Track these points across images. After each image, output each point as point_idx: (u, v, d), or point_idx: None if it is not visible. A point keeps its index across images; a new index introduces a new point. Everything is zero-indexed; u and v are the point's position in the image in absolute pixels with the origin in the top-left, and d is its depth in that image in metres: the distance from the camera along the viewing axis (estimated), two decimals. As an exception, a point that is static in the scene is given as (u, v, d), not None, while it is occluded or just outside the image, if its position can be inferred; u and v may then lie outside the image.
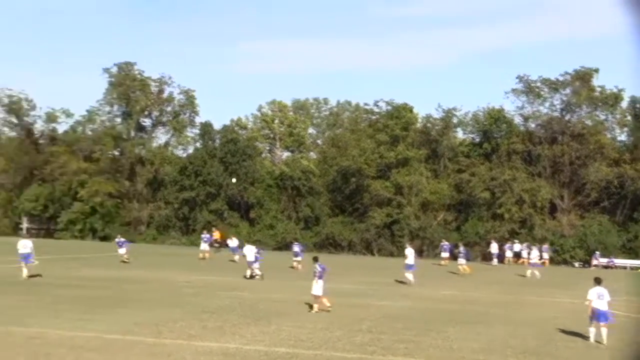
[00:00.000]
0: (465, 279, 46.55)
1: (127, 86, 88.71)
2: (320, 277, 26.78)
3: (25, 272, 35.30)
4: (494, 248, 66.46)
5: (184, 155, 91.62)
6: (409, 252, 40.86)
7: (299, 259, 47.94)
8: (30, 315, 23.14)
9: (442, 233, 74.02)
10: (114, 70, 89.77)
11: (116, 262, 48.71)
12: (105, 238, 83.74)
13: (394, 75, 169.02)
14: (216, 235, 67.20)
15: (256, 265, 40.30)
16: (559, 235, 72.01)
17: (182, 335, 20.66)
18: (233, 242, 57.79)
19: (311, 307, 26.72)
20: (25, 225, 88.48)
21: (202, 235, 59.67)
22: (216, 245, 65.43)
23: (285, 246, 75.90)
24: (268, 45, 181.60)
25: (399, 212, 76.35)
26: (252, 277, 39.68)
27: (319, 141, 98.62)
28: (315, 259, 28.24)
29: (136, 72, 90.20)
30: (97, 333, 20.17)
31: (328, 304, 26.50)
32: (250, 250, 40.84)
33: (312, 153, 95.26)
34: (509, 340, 21.82)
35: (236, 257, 52.07)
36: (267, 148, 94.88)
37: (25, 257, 35.83)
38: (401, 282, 40.22)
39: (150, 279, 38.28)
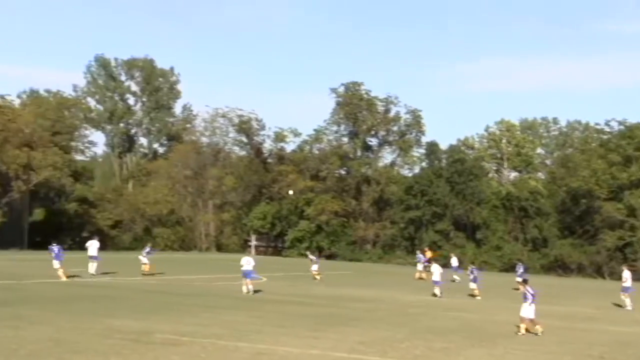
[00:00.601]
0: None
1: (354, 106, 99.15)
2: (531, 301, 28.18)
3: (245, 289, 39.82)
4: None
5: (410, 174, 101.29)
6: (627, 275, 43.34)
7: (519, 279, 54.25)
8: (257, 332, 25.31)
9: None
10: (341, 90, 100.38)
11: (342, 280, 54.88)
12: (330, 256, 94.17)
13: (627, 94, 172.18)
14: (428, 254, 72.95)
15: (468, 283, 46.23)
16: None
17: (407, 355, 22.38)
18: (454, 261, 62.07)
19: (518, 328, 28.25)
20: (253, 242, 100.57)
21: (417, 256, 65.24)
22: (427, 264, 73.43)
23: (512, 267, 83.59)
24: (495, 64, 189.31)
25: (632, 234, 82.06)
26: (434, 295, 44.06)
27: (547, 161, 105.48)
28: (525, 281, 30.45)
29: (363, 92, 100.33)
30: (323, 351, 22.10)
31: (540, 329, 28.08)
32: (437, 269, 45.22)
33: (540, 173, 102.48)
34: None
35: (456, 277, 57.22)
36: (494, 168, 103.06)
37: (247, 274, 40.17)
38: (618, 305, 43.11)
39: (376, 298, 41.30)
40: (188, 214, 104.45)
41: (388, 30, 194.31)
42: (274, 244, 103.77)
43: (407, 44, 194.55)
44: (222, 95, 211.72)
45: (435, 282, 44.50)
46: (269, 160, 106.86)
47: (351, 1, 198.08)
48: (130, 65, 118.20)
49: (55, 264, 44.12)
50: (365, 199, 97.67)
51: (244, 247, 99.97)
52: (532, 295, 28.21)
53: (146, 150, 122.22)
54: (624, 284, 43.20)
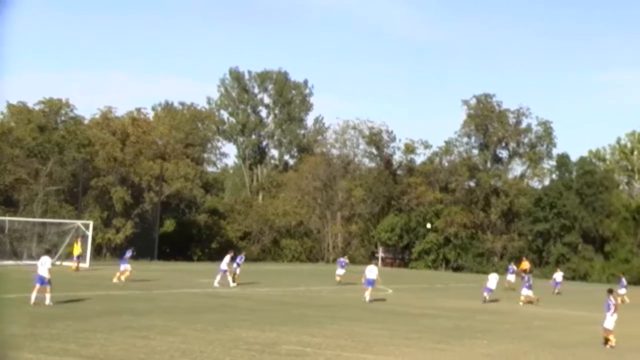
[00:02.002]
0: None
1: (484, 117, 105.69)
2: (614, 311, 29.77)
3: (367, 297, 43.38)
4: None
5: (539, 186, 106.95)
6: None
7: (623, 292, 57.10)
8: (382, 344, 26.63)
9: None
10: (473, 102, 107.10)
11: (468, 293, 56.60)
12: (458, 268, 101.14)
13: None
14: (524, 265, 77.59)
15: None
16: None
17: None
18: (558, 276, 65.88)
19: (606, 341, 29.62)
20: (380, 254, 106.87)
21: (508, 267, 69.42)
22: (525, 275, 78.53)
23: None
24: (629, 75, 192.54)
25: None
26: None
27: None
28: (610, 291, 31.77)
29: (494, 103, 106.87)
30: None
31: (613, 340, 29.41)
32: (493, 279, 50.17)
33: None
34: None
35: (557, 291, 61.74)
36: (625, 180, 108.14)
37: (370, 282, 43.97)
38: None
39: (504, 311, 43.58)
40: (316, 225, 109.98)
41: (520, 41, 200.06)
42: (401, 255, 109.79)
43: (538, 56, 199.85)
44: (353, 107, 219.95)
45: (485, 289, 49.45)
46: (399, 172, 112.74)
47: (481, 11, 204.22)
48: (264, 77, 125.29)
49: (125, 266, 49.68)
50: (493, 210, 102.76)
51: (371, 259, 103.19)
52: (612, 305, 29.94)
53: (277, 162, 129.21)
54: None
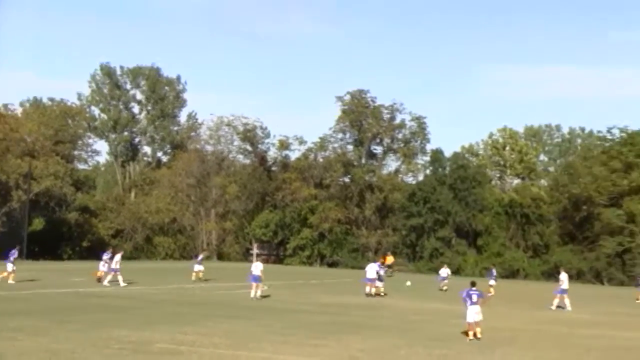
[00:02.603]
0: None
1: (358, 113, 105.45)
2: (475, 303, 29.42)
3: (253, 293, 42.93)
4: None
5: (413, 182, 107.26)
6: (563, 277, 46.96)
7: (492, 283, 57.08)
8: (257, 340, 26.12)
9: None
10: (347, 98, 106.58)
11: (344, 288, 56.63)
12: (333, 264, 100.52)
13: (631, 102, 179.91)
14: (389, 260, 78.17)
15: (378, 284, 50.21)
16: None
17: None
18: (443, 272, 61.50)
19: (469, 334, 29.13)
20: (255, 251, 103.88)
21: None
22: (389, 270, 77.67)
23: (512, 274, 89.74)
24: (500, 72, 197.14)
25: (631, 240, 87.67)
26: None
27: (550, 168, 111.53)
28: (473, 284, 31.10)
29: (368, 99, 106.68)
30: (322, 358, 23.33)
31: (479, 332, 29.13)
32: (371, 269, 50.23)
33: (542, 180, 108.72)
34: None
35: (444, 287, 58.78)
36: (497, 175, 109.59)
37: (255, 278, 43.40)
38: (561, 307, 45.77)
39: (378, 306, 42.74)
40: (190, 222, 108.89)
41: (393, 38, 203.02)
42: (276, 251, 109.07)
43: (412, 52, 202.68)
44: (228, 104, 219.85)
45: (365, 280, 49.89)
46: (273, 168, 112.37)
47: (355, 9, 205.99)
48: (136, 73, 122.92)
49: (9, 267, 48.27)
50: (368, 206, 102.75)
51: (245, 256, 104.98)
52: (477, 297, 29.70)
53: (150, 159, 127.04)
54: (562, 286, 46.55)
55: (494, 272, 61.95)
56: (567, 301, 45.90)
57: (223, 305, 39.57)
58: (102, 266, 52.38)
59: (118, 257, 51.34)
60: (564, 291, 46.38)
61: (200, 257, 61.38)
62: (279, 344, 25.73)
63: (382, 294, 50.06)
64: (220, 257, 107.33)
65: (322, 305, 42.15)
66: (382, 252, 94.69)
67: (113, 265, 50.75)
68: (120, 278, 49.88)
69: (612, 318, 42.61)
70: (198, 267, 57.97)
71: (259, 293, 43.33)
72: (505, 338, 30.36)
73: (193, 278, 56.82)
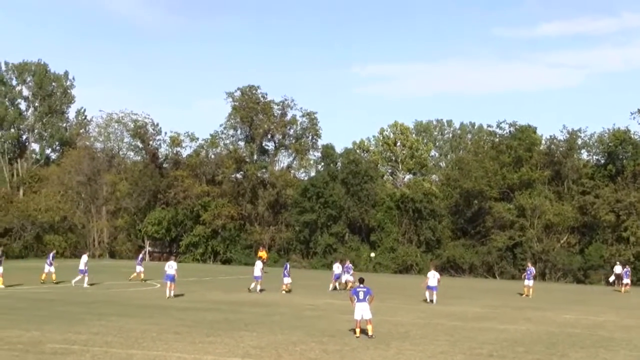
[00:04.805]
0: (588, 303, 52.34)
1: (250, 109, 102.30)
2: (363, 301, 29.08)
3: (168, 293, 42.78)
4: (618, 270, 76.69)
5: (306, 178, 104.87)
6: (432, 275, 47.73)
7: (345, 278, 55.52)
8: (151, 339, 26.00)
9: (565, 256, 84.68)
10: (237, 94, 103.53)
11: (238, 285, 55.70)
12: (227, 261, 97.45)
13: (518, 97, 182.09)
14: (262, 254, 76.76)
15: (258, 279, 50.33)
16: (686, 259, 79.92)
17: (301, 358, 23.58)
18: (336, 267, 57.30)
19: (355, 331, 28.92)
20: (147, 248, 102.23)
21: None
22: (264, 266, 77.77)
23: (406, 269, 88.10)
24: (391, 68, 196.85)
25: (521, 234, 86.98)
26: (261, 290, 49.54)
27: (441, 163, 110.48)
28: (361, 281, 31.04)
29: (259, 95, 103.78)
30: (217, 356, 23.21)
31: (371, 330, 28.71)
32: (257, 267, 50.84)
33: (434, 175, 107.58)
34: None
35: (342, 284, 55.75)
36: (389, 171, 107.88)
37: (170, 277, 43.27)
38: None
39: (273, 302, 42.60)
40: (81, 220, 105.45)
41: (284, 34, 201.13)
42: (169, 249, 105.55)
43: (304, 48, 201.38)
44: (117, 100, 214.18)
45: (255, 277, 50.24)
46: (165, 165, 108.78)
47: (244, 4, 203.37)
48: (22, 69, 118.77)
49: None
50: (261, 202, 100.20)
51: (137, 253, 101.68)
52: (364, 294, 29.29)
53: (38, 156, 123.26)
54: (430, 283, 47.47)
55: (351, 266, 59.36)
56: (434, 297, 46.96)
57: (116, 304, 38.99)
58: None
59: (85, 258, 51.52)
60: (431, 287, 47.47)
61: (140, 256, 61.05)
62: (173, 341, 25.60)
63: (286, 290, 50.43)
64: (112, 255, 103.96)
65: (216, 302, 42.05)
66: (256, 247, 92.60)
67: (81, 267, 50.69)
68: (86, 279, 50.11)
69: (503, 311, 43.21)
70: (139, 268, 57.75)
71: (172, 293, 43.05)
72: (400, 332, 30.45)
73: (131, 278, 56.97)
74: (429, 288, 47.36)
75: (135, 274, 57.46)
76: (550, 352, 26.47)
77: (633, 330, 35.13)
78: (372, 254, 54.45)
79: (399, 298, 47.92)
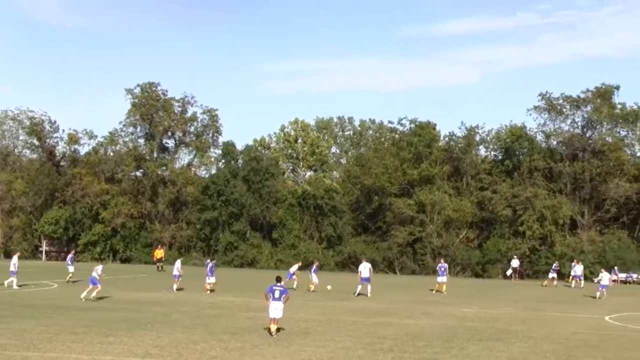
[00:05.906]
0: (487, 297, 53.09)
1: (149, 106, 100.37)
2: (278, 299, 28.42)
3: (86, 294, 40.85)
4: (515, 264, 77.81)
5: (207, 175, 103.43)
6: (363, 267, 48.88)
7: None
8: (48, 340, 25.20)
9: (464, 251, 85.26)
10: (137, 91, 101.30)
11: (138, 284, 55.66)
12: (126, 260, 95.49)
13: (418, 94, 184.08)
14: (158, 254, 76.92)
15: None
16: (579, 252, 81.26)
17: (202, 357, 23.15)
18: (293, 268, 55.96)
19: (269, 330, 28.32)
20: (44, 248, 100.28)
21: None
22: (159, 264, 77.74)
23: (306, 266, 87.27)
24: (291, 65, 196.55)
25: (421, 230, 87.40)
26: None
27: (342, 160, 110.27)
28: (278, 279, 29.84)
29: (159, 92, 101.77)
30: (116, 356, 22.71)
31: (275, 330, 28.33)
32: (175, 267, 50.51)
33: (335, 172, 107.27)
34: (530, 357, 25.09)
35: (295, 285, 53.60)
36: (290, 167, 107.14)
37: (94, 281, 41.40)
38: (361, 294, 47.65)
39: (173, 301, 41.96)
40: None
41: (185, 30, 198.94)
42: (67, 248, 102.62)
43: (205, 44, 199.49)
44: (12, 98, 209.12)
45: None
46: (62, 163, 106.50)
47: (145, 2, 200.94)
48: None
49: None
50: (161, 200, 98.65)
51: (34, 253, 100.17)
52: (279, 293, 28.69)
53: None
54: (363, 275, 48.50)
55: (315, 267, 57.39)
56: (369, 288, 47.78)
57: (11, 305, 37.22)
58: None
59: (15, 259, 50.07)
60: (364, 279, 48.30)
61: (70, 256, 60.24)
62: (71, 342, 24.94)
63: (210, 290, 48.89)
64: (8, 255, 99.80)
65: (116, 301, 40.91)
66: (154, 245, 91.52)
67: (11, 268, 49.32)
68: (15, 280, 48.34)
69: (404, 306, 43.25)
70: (71, 269, 56.96)
71: (94, 294, 41.26)
72: (301, 329, 30.28)
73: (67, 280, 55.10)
74: (363, 280, 47.79)
75: (70, 275, 55.99)
76: (449, 346, 26.74)
77: (528, 322, 35.90)
78: (329, 287, 52.85)
79: (300, 295, 46.84)
